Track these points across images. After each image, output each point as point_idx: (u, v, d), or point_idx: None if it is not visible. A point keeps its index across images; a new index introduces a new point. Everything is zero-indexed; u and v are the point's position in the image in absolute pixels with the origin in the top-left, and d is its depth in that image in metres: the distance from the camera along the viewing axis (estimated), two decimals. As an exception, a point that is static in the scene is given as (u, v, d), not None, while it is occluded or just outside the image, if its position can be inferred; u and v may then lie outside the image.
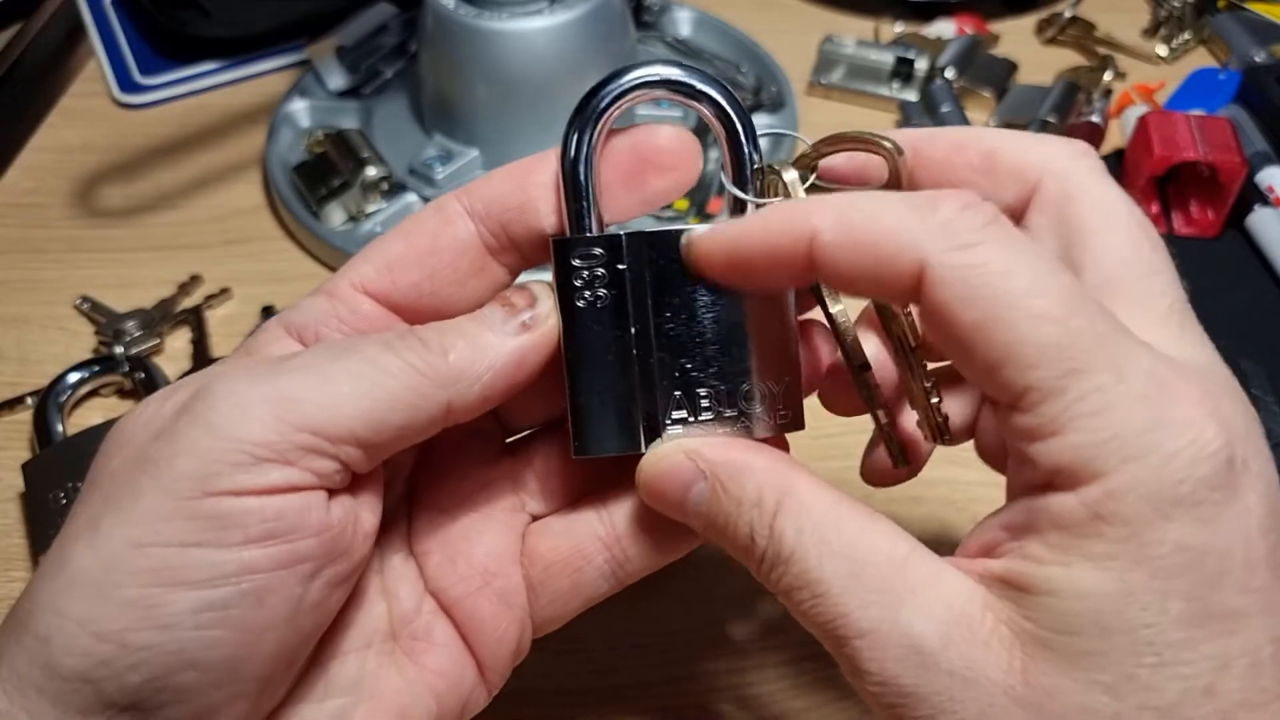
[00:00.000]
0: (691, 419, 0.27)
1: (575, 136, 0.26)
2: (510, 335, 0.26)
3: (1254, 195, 0.54)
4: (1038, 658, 0.21)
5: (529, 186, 0.27)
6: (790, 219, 0.24)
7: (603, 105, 0.26)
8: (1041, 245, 0.25)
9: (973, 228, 0.22)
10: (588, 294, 0.26)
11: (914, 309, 0.27)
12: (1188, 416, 0.21)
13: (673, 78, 0.26)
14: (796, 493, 0.24)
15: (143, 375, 0.47)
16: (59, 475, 0.41)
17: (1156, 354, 0.22)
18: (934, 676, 0.22)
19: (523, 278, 0.28)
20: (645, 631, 0.38)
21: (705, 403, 0.27)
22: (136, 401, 0.47)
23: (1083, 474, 0.21)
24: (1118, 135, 0.60)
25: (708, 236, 0.26)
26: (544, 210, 0.27)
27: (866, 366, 0.28)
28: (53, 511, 0.40)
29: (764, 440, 0.27)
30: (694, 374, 0.26)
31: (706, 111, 0.27)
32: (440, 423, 0.25)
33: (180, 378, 0.47)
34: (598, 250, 0.26)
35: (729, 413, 0.27)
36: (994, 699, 0.21)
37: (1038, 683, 0.21)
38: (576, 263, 0.26)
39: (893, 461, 0.29)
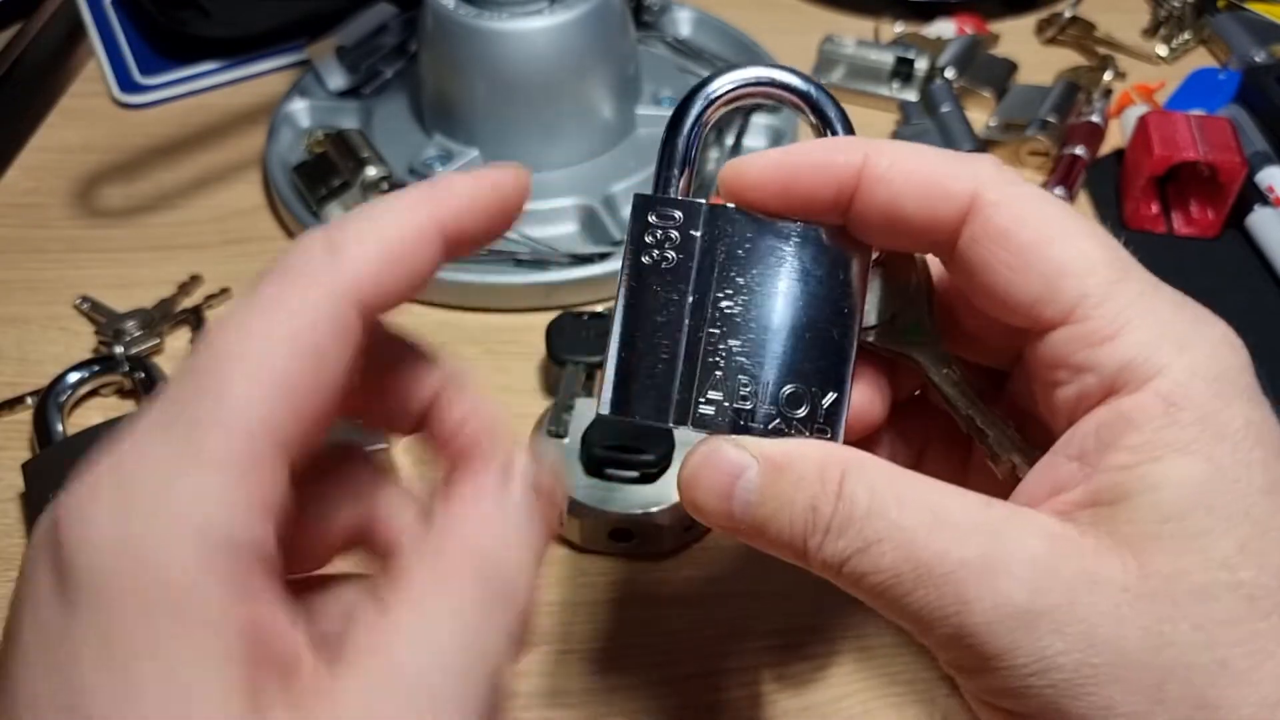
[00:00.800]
0: (726, 403, 0.26)
1: (686, 111, 0.27)
2: None
3: (1254, 195, 0.54)
4: (1150, 553, 0.22)
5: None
6: (846, 142, 0.26)
7: (719, 93, 0.27)
8: None
9: (1012, 172, 0.25)
10: (655, 252, 0.26)
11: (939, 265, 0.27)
12: (1211, 316, 0.24)
13: (787, 82, 0.27)
14: (861, 461, 0.24)
15: (143, 375, 0.46)
16: (59, 475, 0.40)
17: None
18: (1052, 586, 0.22)
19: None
20: (645, 631, 0.38)
21: (744, 391, 0.26)
22: (136, 402, 0.47)
23: (1147, 368, 0.23)
24: (1118, 135, 0.60)
25: (757, 154, 0.26)
26: None
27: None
28: (53, 511, 0.40)
29: None
30: (739, 358, 0.26)
31: (813, 118, 0.27)
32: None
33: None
34: (677, 213, 0.26)
35: (766, 408, 0.26)
36: (1117, 600, 0.22)
37: (1156, 573, 0.22)
38: (653, 219, 0.26)
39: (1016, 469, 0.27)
